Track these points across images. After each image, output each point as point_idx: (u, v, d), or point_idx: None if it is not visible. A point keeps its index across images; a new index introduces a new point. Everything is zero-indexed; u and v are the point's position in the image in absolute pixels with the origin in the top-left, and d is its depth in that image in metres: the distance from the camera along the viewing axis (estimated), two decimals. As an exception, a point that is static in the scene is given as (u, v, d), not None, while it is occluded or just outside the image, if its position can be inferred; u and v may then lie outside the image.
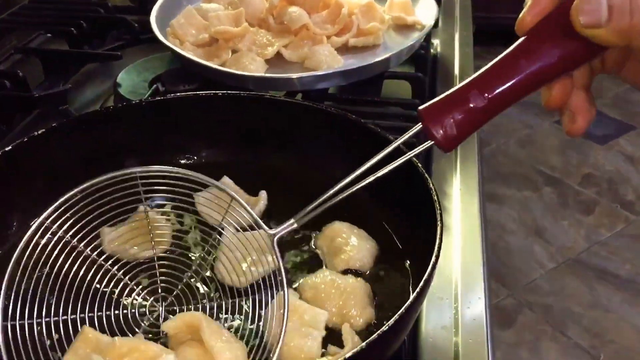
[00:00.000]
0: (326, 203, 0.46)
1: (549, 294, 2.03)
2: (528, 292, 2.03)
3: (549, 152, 2.62)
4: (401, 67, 0.90)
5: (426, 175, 0.51)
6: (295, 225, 0.48)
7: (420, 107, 0.43)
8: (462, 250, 0.62)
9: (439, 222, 0.46)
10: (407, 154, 0.46)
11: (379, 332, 0.38)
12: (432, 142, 0.43)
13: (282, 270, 0.47)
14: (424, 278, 0.41)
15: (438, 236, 0.45)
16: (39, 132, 0.59)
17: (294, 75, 0.81)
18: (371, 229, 0.59)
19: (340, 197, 0.45)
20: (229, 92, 0.67)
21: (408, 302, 0.39)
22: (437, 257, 0.43)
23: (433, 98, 0.88)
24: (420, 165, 0.52)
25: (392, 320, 0.39)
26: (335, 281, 0.52)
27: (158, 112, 0.66)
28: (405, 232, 0.57)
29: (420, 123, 0.44)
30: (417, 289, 0.41)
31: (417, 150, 0.45)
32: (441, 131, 0.42)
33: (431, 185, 0.50)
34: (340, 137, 0.62)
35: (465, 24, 1.08)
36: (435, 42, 1.02)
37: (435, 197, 0.48)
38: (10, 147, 0.57)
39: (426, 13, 0.94)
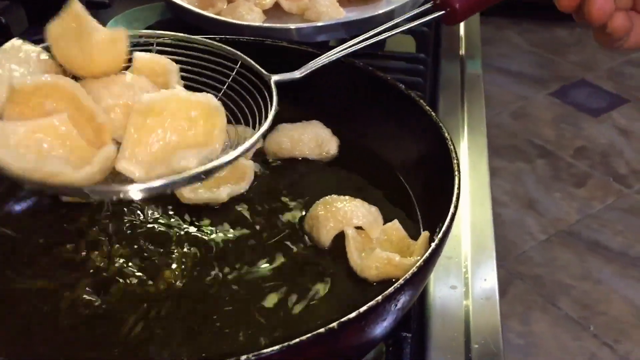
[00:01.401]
0: (330, 58, 0.50)
1: (539, 266, 2.02)
2: (519, 263, 2.02)
3: (543, 125, 2.60)
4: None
5: (441, 124, 0.48)
6: (297, 76, 0.46)
7: None
8: (471, 208, 0.59)
9: (456, 172, 0.43)
10: (416, 22, 0.47)
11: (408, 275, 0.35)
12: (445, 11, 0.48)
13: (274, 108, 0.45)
14: (444, 226, 0.38)
15: (456, 186, 0.41)
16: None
17: (294, 26, 0.77)
18: (383, 181, 0.55)
19: (343, 54, 0.51)
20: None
21: (431, 248, 0.36)
22: (456, 207, 0.40)
23: (437, 53, 0.85)
24: (434, 114, 0.49)
25: (421, 260, 0.35)
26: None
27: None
28: (419, 186, 0.53)
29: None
30: (439, 236, 0.38)
31: (426, 19, 0.50)
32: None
33: (446, 134, 0.47)
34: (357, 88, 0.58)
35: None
36: (439, -2, 0.98)
37: (452, 147, 0.45)
38: None
39: (431, -34, 0.90)
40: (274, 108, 0.44)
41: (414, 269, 0.36)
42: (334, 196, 0.53)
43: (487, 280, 0.52)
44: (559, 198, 2.25)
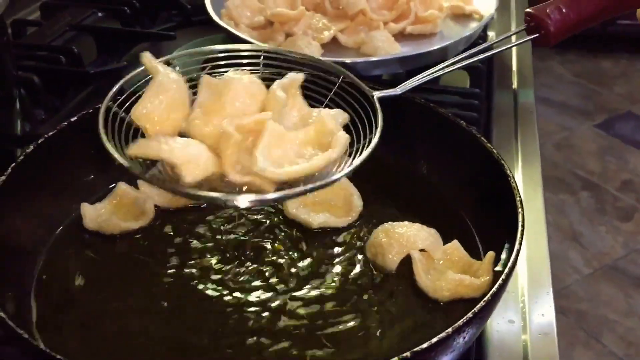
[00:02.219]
0: (429, 76, 0.55)
1: (583, 300, 1.98)
2: (562, 297, 1.99)
3: (587, 156, 2.57)
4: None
5: (502, 160, 0.50)
6: (398, 92, 0.52)
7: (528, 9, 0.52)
8: (526, 242, 0.60)
9: (519, 210, 0.44)
10: (509, 45, 0.56)
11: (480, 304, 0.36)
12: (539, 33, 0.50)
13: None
14: (510, 260, 0.39)
15: (520, 224, 0.43)
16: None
17: (352, 60, 0.79)
18: (435, 207, 0.57)
19: (438, 74, 0.56)
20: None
21: (497, 284, 0.38)
22: (520, 244, 0.41)
23: (490, 89, 0.86)
24: (496, 151, 0.50)
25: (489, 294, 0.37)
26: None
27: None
28: (473, 212, 0.55)
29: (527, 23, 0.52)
30: (506, 270, 0.39)
31: (520, 42, 0.55)
32: (550, 21, 0.50)
33: (508, 171, 0.48)
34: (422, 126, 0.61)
35: (522, 16, 1.06)
36: (491, 34, 1.00)
37: (514, 184, 0.47)
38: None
39: (484, 2, 0.92)
40: (379, 124, 0.47)
41: (482, 303, 0.38)
42: (393, 223, 0.54)
43: (545, 315, 0.52)
44: (603, 232, 2.22)
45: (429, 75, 0.53)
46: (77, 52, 0.83)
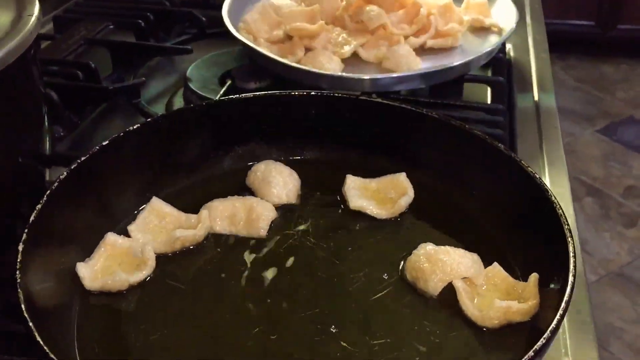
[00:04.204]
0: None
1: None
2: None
3: (590, 162, 2.57)
4: (477, 70, 0.87)
5: (547, 187, 0.49)
6: None
7: None
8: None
9: (569, 239, 0.43)
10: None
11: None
12: None
13: None
14: (564, 299, 0.39)
15: (571, 254, 0.42)
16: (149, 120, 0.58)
17: (373, 76, 0.79)
18: (479, 238, 0.56)
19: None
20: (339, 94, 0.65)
21: (555, 319, 0.37)
22: (575, 276, 0.41)
23: (512, 103, 0.86)
24: (538, 176, 0.49)
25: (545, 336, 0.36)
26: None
27: (266, 107, 0.64)
28: (514, 241, 0.54)
29: None
30: (560, 309, 0.38)
31: None
32: None
33: (553, 197, 0.48)
34: (445, 143, 0.60)
35: (538, 28, 1.05)
36: (508, 46, 0.99)
37: (561, 211, 0.46)
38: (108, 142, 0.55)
39: (503, 15, 0.91)
40: None
41: (543, 341, 0.37)
42: (435, 247, 0.53)
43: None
44: (608, 238, 2.22)
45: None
46: (94, 67, 0.82)
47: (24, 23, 0.49)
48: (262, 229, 0.56)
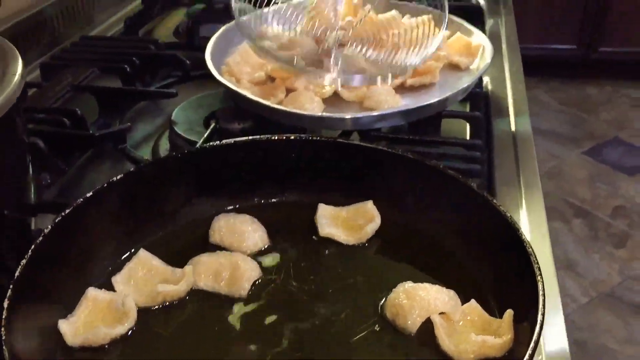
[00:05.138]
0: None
1: (582, 330, 1.99)
2: (562, 327, 2.00)
3: (577, 184, 2.60)
4: (456, 104, 0.89)
5: (517, 225, 0.50)
6: None
7: None
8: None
9: (539, 278, 0.45)
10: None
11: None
12: None
13: None
14: (533, 337, 0.40)
15: (540, 293, 0.43)
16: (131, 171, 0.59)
17: (354, 115, 0.81)
18: (456, 275, 0.58)
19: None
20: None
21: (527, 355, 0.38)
22: (543, 314, 0.42)
23: (490, 137, 0.88)
24: (510, 215, 0.51)
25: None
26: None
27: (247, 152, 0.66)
28: (491, 278, 0.55)
29: None
30: (529, 349, 0.40)
31: None
32: None
33: (523, 236, 0.49)
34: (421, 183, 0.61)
35: (514, 59, 1.08)
36: (486, 79, 1.02)
37: (531, 249, 0.47)
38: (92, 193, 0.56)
39: (479, 50, 0.94)
40: None
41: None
42: (413, 284, 0.55)
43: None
44: (598, 259, 2.23)
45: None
46: (80, 114, 0.84)
47: (7, 82, 0.51)
48: (243, 290, 0.57)
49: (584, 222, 2.41)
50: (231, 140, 0.65)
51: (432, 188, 0.61)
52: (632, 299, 2.08)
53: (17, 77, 0.52)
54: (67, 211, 0.53)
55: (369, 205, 0.65)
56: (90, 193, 0.56)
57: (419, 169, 0.61)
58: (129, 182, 0.59)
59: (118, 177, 0.60)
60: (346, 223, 0.66)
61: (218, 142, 0.66)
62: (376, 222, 0.64)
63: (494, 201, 0.54)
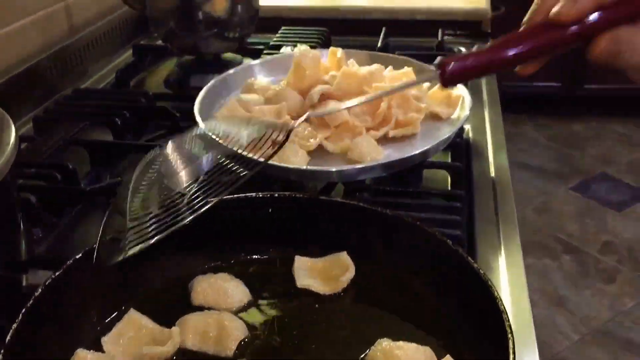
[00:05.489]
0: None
1: (575, 367, 2.00)
2: (554, 365, 2.00)
3: (566, 220, 2.63)
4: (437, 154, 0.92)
5: (490, 282, 0.52)
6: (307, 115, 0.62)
7: (440, 59, 0.61)
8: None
9: (509, 336, 0.47)
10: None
11: None
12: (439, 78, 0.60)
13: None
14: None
15: (511, 350, 0.45)
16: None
17: (336, 168, 0.83)
18: (431, 329, 0.59)
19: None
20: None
21: None
22: (513, 374, 0.44)
23: (470, 186, 0.90)
24: (483, 272, 0.53)
25: None
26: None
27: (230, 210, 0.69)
28: (466, 332, 0.57)
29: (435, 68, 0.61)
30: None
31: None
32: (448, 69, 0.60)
33: (496, 293, 0.51)
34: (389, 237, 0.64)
35: (494, 108, 1.12)
36: (467, 127, 1.05)
37: (503, 307, 0.49)
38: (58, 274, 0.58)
39: (460, 101, 0.97)
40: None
41: None
42: (390, 342, 0.56)
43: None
44: (589, 295, 2.25)
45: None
46: (72, 168, 0.86)
47: (1, 152, 0.53)
48: (229, 350, 0.58)
49: (573, 258, 2.43)
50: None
51: (408, 242, 0.63)
52: (623, 335, 2.09)
53: (10, 148, 0.54)
54: (58, 273, 0.55)
55: (344, 255, 0.68)
56: (80, 254, 0.58)
57: (394, 224, 0.63)
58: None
59: (108, 237, 0.62)
60: (322, 274, 0.68)
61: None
62: (351, 271, 0.66)
63: (468, 258, 0.56)
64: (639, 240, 2.48)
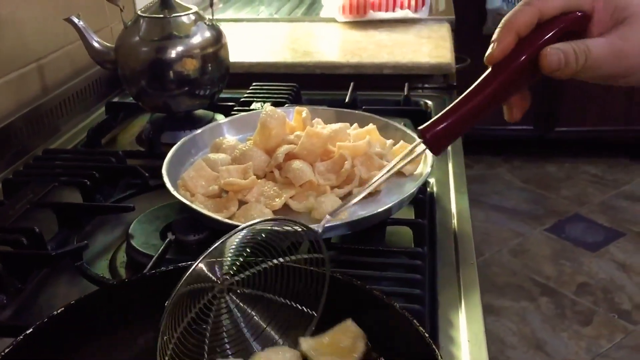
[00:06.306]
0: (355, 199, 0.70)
1: (556, 411, 1.99)
2: (535, 410, 2.00)
3: (542, 261, 2.65)
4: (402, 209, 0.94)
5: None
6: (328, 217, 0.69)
7: (420, 127, 0.65)
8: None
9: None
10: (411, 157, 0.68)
11: None
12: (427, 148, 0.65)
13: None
14: None
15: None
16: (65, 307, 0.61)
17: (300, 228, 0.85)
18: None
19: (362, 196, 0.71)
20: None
21: None
22: None
23: (433, 244, 0.92)
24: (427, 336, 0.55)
25: None
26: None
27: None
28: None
29: (420, 138, 0.65)
30: None
31: (413, 156, 0.69)
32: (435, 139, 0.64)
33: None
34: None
35: (459, 161, 1.14)
36: (432, 180, 1.08)
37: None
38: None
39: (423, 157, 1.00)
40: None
41: None
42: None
43: None
44: (566, 338, 2.26)
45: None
46: (38, 232, 0.86)
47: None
48: None
49: (550, 300, 2.44)
50: (178, 265, 0.69)
51: (357, 306, 0.65)
52: (601, 378, 2.09)
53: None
54: (19, 338, 0.55)
55: (349, 323, 0.66)
56: (46, 319, 0.58)
57: (345, 288, 0.65)
58: (83, 306, 0.61)
59: (71, 302, 0.62)
60: (333, 349, 0.65)
61: (163, 268, 0.70)
62: (363, 337, 0.64)
63: (414, 321, 0.58)
64: (613, 280, 2.51)
